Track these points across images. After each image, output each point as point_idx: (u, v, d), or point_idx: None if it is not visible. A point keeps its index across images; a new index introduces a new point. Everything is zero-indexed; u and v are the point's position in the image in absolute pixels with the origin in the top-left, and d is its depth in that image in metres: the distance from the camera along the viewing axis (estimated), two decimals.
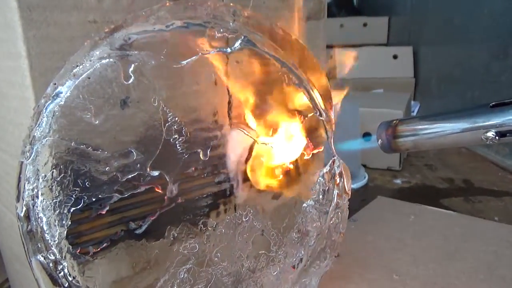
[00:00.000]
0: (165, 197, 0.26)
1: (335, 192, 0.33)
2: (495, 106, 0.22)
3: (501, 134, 0.22)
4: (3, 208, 0.30)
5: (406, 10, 1.54)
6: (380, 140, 0.28)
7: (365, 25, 1.67)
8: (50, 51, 0.22)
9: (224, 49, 0.27)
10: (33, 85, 0.21)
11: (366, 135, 0.86)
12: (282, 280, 0.30)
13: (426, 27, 1.37)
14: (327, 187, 0.33)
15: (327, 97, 0.32)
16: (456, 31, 1.13)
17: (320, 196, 0.34)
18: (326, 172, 0.33)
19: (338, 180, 0.32)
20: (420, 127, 0.26)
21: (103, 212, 0.23)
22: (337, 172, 0.33)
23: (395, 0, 1.66)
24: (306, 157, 0.36)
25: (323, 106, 0.31)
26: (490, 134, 0.22)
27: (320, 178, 0.34)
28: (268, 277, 0.30)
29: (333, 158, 0.32)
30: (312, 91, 0.31)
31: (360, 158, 0.82)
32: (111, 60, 0.22)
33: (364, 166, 0.84)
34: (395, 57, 1.42)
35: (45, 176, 0.20)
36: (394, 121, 0.28)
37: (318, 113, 0.31)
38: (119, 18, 0.24)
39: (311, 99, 0.31)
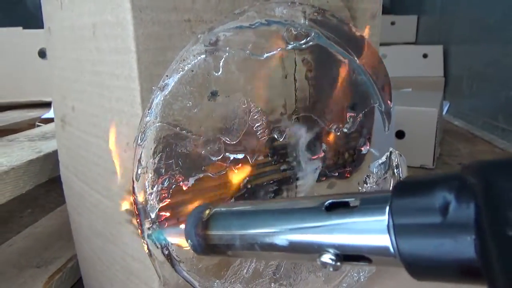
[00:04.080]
0: (241, 183, 0.29)
1: (393, 182, 0.34)
2: (332, 208, 0.15)
3: (344, 257, 0.15)
4: (90, 190, 0.33)
5: (435, 8, 1.53)
6: (189, 240, 0.19)
7: (393, 23, 1.66)
8: (153, 47, 0.24)
9: (299, 44, 0.29)
10: (139, 76, 0.24)
11: (400, 133, 0.86)
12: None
13: (456, 26, 1.36)
14: (385, 177, 0.34)
15: (387, 91, 0.34)
16: (490, 29, 1.12)
17: (375, 186, 0.36)
18: (382, 163, 0.35)
19: (395, 171, 0.34)
20: (238, 232, 0.18)
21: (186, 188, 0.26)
22: (394, 163, 0.35)
23: None
24: (363, 151, 0.38)
25: (384, 99, 0.33)
26: (328, 258, 0.15)
27: (375, 168, 0.36)
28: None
29: (390, 150, 0.34)
30: (375, 84, 0.33)
31: None
32: (206, 55, 0.24)
33: None
34: (425, 56, 1.41)
35: (155, 157, 0.23)
36: (208, 211, 0.20)
37: (378, 104, 0.33)
38: (208, 17, 0.27)
39: (374, 91, 0.33)
